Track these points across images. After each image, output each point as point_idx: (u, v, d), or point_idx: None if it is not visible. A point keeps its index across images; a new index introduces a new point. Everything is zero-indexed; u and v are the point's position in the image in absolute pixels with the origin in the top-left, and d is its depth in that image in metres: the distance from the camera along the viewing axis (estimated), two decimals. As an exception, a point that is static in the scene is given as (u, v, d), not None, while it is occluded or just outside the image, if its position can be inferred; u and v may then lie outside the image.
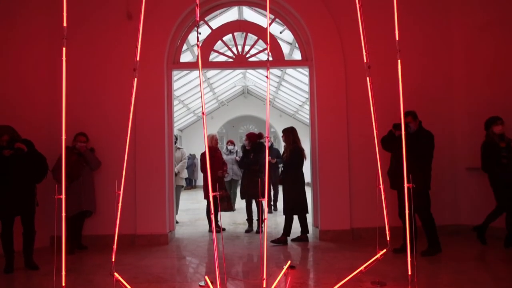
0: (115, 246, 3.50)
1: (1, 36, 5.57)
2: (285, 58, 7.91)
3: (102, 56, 5.99)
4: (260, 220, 6.62)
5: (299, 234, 5.91)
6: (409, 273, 3.39)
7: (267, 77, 3.42)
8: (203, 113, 3.24)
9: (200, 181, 15.85)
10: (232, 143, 9.04)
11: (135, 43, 3.62)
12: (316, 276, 4.26)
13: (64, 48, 3.12)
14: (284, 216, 5.92)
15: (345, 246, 5.42)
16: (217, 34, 6.38)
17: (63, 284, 3.11)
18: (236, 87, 16.10)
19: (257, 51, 6.49)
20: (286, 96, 15.02)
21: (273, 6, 5.99)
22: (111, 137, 5.80)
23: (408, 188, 3.52)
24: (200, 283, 3.91)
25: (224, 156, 7.89)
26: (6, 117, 5.04)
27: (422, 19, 6.17)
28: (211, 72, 12.42)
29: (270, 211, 8.78)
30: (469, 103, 6.04)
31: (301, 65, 6.85)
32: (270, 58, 6.22)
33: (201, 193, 9.07)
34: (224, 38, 6.48)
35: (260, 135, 7.10)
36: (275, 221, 7.76)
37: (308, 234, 5.93)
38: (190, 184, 16.70)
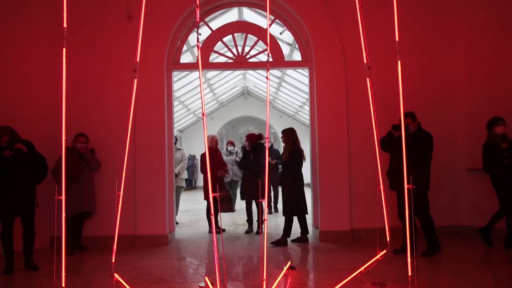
0: (115, 247, 3.50)
1: (1, 36, 5.57)
2: (285, 59, 7.92)
3: (102, 57, 5.99)
4: (260, 221, 6.62)
5: (299, 235, 5.91)
6: (409, 274, 3.38)
7: (267, 78, 3.42)
8: (203, 114, 3.24)
9: (200, 182, 15.84)
10: (232, 144, 9.04)
11: (135, 43, 3.62)
12: (316, 277, 4.26)
13: (64, 49, 3.12)
14: (284, 217, 5.92)
15: (345, 247, 5.42)
16: (217, 35, 6.38)
17: (63, 285, 3.11)
18: (236, 88, 16.09)
19: (257, 52, 6.48)
20: (286, 97, 15.03)
21: (273, 7, 6.00)
22: (111, 137, 5.80)
23: (408, 189, 3.52)
24: (200, 284, 3.91)
25: (224, 157, 7.89)
26: (6, 117, 5.04)
27: (422, 20, 6.17)
28: (211, 73, 12.43)
29: (270, 212, 8.78)
30: (469, 104, 6.04)
31: (301, 66, 6.86)
32: (270, 59, 6.25)
33: (201, 194, 9.06)
34: (224, 39, 6.48)
35: (260, 136, 7.10)
36: (275, 222, 7.76)
37: (308, 235, 5.92)
38: (190, 185, 16.69)
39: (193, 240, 6.19)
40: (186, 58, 9.21)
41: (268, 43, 3.60)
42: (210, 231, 6.65)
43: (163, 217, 5.87)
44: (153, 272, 4.44)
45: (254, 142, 6.93)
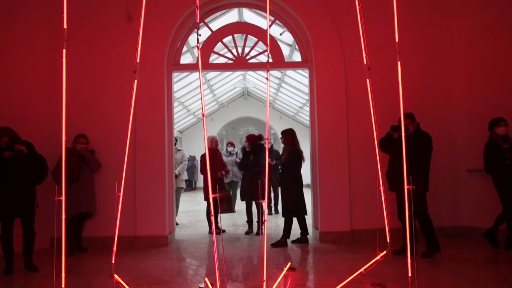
0: (115, 248, 3.49)
1: (1, 36, 5.58)
2: (285, 60, 7.91)
3: (102, 57, 5.99)
4: (260, 222, 6.62)
5: (299, 235, 5.91)
6: (409, 274, 3.38)
7: (267, 78, 3.42)
8: (203, 115, 3.23)
9: (200, 183, 15.84)
10: (232, 144, 9.04)
11: (135, 44, 3.62)
12: (316, 278, 4.26)
13: (64, 50, 3.12)
14: (283, 218, 5.92)
15: (345, 248, 5.41)
16: (217, 35, 6.38)
17: (63, 286, 3.10)
18: (236, 89, 16.10)
19: (257, 52, 6.49)
20: (286, 98, 15.03)
21: (273, 7, 6.00)
22: (111, 138, 5.80)
23: (407, 189, 3.52)
24: (200, 285, 3.90)
25: (224, 158, 7.89)
26: (6, 118, 5.05)
27: (422, 20, 6.17)
28: (211, 74, 12.44)
29: (270, 213, 8.77)
30: (469, 104, 6.03)
31: (301, 67, 6.86)
32: (270, 60, 6.25)
33: (201, 195, 9.06)
34: (224, 40, 6.49)
35: (260, 137, 7.09)
36: (275, 223, 7.76)
37: (308, 236, 5.92)
38: (190, 185, 16.69)
39: (193, 241, 6.19)
40: (186, 59, 9.22)
41: (268, 44, 3.60)
42: (210, 232, 6.64)
43: (163, 218, 5.87)
44: (153, 273, 4.43)
45: (254, 143, 6.93)
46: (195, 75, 11.06)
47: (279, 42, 6.78)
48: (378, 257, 3.85)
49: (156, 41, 5.94)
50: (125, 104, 3.93)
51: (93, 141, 5.71)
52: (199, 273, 4.53)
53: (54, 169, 5.21)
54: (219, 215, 4.97)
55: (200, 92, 3.21)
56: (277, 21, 6.58)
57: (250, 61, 6.39)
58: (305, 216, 5.92)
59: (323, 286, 3.84)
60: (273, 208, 8.94)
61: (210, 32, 6.41)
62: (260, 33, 6.39)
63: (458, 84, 6.16)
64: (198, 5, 3.28)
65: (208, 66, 6.90)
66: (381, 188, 3.83)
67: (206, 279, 3.85)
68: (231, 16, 8.45)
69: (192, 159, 15.27)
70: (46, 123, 5.74)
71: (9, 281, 4.27)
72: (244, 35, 6.51)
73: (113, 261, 3.45)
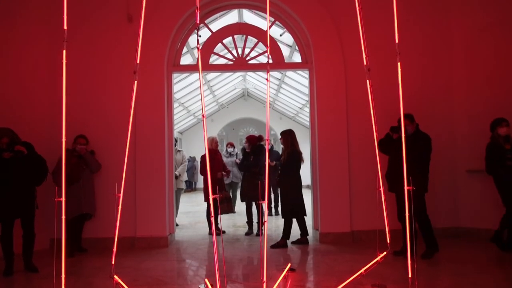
0: (115, 249, 3.49)
1: (1, 36, 5.58)
2: (285, 61, 7.93)
3: (102, 58, 5.99)
4: (260, 223, 6.61)
5: (299, 237, 5.90)
6: (410, 275, 3.38)
7: (267, 79, 3.42)
8: (203, 116, 3.23)
9: (200, 184, 15.85)
10: (232, 145, 9.05)
11: (135, 45, 3.62)
12: (316, 279, 4.25)
13: (64, 51, 3.12)
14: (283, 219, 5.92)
15: (345, 249, 5.41)
16: (217, 36, 6.38)
17: (63, 287, 3.10)
18: (236, 90, 16.12)
19: (257, 53, 6.49)
20: (286, 99, 15.04)
21: (273, 8, 6.00)
22: (111, 139, 5.80)
23: (407, 190, 3.51)
24: (200, 286, 3.90)
25: (224, 159, 7.90)
26: (5, 118, 5.04)
27: (422, 20, 6.17)
28: (211, 75, 12.44)
29: (270, 214, 8.77)
30: (469, 105, 6.03)
31: (301, 68, 6.87)
32: (270, 61, 6.25)
33: (201, 196, 9.07)
34: (224, 41, 6.49)
35: (260, 138, 7.10)
36: (275, 224, 7.75)
37: (308, 237, 5.92)
38: (190, 186, 16.69)
39: (193, 242, 6.19)
40: (186, 60, 9.23)
41: (268, 44, 3.60)
42: (210, 233, 6.64)
43: (163, 219, 5.86)
44: (153, 274, 4.43)
45: (254, 144, 6.93)
46: (195, 76, 11.06)
47: (279, 43, 6.79)
48: (378, 258, 3.85)
49: (156, 42, 5.94)
50: (125, 105, 3.93)
51: (93, 142, 5.71)
52: (199, 274, 4.53)
53: (54, 170, 5.20)
54: (219, 216, 4.97)
55: (200, 93, 3.21)
56: (277, 22, 6.59)
57: (250, 62, 6.39)
58: (305, 217, 5.92)
59: (323, 287, 3.84)
60: (273, 210, 8.93)
61: (210, 33, 6.41)
62: (260, 34, 6.39)
63: (458, 84, 6.16)
64: (198, 6, 3.28)
65: (208, 67, 6.90)
66: (381, 189, 3.83)
67: (206, 280, 3.84)
68: (231, 17, 8.46)
69: (192, 160, 15.28)
70: (46, 123, 5.73)
71: (9, 282, 4.27)
72: (244, 36, 6.51)
73: (113, 262, 3.45)
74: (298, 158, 5.90)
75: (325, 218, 5.89)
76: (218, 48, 6.54)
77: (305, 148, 6.15)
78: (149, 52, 5.72)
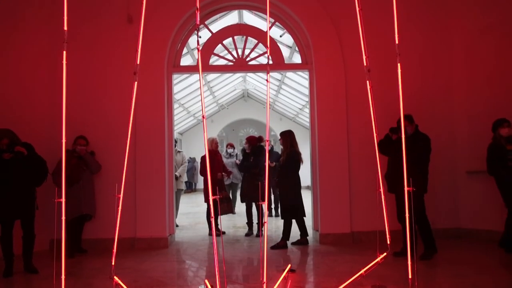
0: (115, 250, 3.49)
1: (2, 36, 5.58)
2: (285, 62, 7.93)
3: (102, 59, 5.99)
4: (260, 224, 6.61)
5: (299, 237, 5.90)
6: (410, 276, 3.37)
7: (267, 80, 3.42)
8: (203, 117, 3.23)
9: (200, 185, 15.86)
10: (232, 146, 9.05)
11: (135, 45, 3.62)
12: (316, 280, 4.25)
13: (64, 52, 3.12)
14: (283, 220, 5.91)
15: (345, 250, 5.41)
16: (217, 37, 6.39)
17: (63, 288, 3.10)
18: (236, 91, 16.14)
19: (257, 54, 6.50)
20: (286, 100, 15.06)
21: (273, 9, 6.00)
22: (111, 140, 5.80)
23: (408, 191, 3.51)
24: (200, 287, 3.90)
25: (224, 159, 7.90)
26: (5, 118, 5.04)
27: (422, 20, 6.18)
28: (211, 76, 12.46)
29: (270, 215, 8.76)
30: (469, 105, 6.03)
31: (301, 69, 6.86)
32: (270, 62, 6.26)
33: (201, 197, 9.07)
34: (224, 42, 6.50)
35: (260, 139, 7.10)
36: (275, 225, 7.75)
37: (308, 238, 5.91)
38: (190, 187, 16.70)
39: (193, 243, 6.18)
40: (186, 60, 9.23)
41: (268, 45, 3.60)
42: (210, 234, 6.64)
43: (163, 219, 5.86)
44: (153, 275, 4.43)
45: (254, 145, 6.93)
46: (195, 76, 11.08)
47: (279, 44, 6.79)
48: (378, 259, 3.84)
49: (156, 42, 5.94)
50: (125, 106, 3.93)
51: (93, 142, 5.71)
52: (199, 275, 4.53)
53: (54, 171, 5.20)
54: (219, 217, 4.97)
55: (200, 93, 3.21)
56: (277, 23, 6.59)
57: (250, 63, 6.40)
58: (304, 217, 5.92)
59: (323, 288, 3.84)
60: (273, 211, 8.93)
61: (210, 34, 6.42)
62: (260, 35, 6.40)
63: (458, 84, 6.16)
64: (198, 7, 3.28)
65: (208, 68, 6.90)
66: (381, 189, 3.83)
67: (206, 281, 3.84)
68: (231, 18, 8.47)
69: (192, 160, 15.28)
70: (46, 124, 5.74)
71: (8, 283, 4.26)
72: (244, 37, 6.51)
73: (113, 263, 3.45)
74: (297, 159, 5.90)
75: (325, 219, 5.89)
76: (218, 49, 6.55)
77: (305, 149, 6.15)
78: (149, 53, 5.72)
